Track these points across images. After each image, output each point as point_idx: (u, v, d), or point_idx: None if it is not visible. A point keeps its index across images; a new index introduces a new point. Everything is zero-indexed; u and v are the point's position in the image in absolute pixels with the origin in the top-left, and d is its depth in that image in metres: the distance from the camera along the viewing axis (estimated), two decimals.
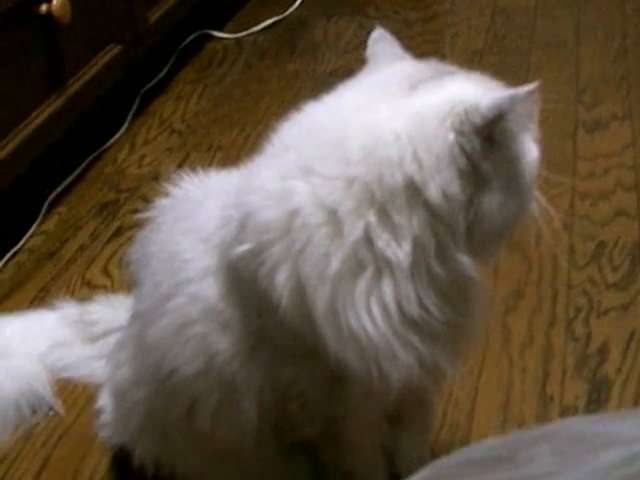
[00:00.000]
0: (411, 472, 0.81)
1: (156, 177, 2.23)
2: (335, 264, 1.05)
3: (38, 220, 2.13)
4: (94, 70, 2.25)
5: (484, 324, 1.23)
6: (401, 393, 1.16)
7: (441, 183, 1.04)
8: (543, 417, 1.54)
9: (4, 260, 2.00)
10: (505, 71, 2.54)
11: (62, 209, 2.19)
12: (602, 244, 1.93)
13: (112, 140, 2.42)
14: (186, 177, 1.32)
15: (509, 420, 1.55)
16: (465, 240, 1.07)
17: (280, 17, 3.06)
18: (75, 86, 2.18)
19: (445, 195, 1.04)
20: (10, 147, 1.95)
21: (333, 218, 1.05)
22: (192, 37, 2.91)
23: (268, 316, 1.12)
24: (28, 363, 1.65)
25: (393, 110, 1.06)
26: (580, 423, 0.85)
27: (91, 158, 2.34)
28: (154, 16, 2.52)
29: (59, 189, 2.23)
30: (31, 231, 2.10)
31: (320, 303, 1.06)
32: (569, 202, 2.05)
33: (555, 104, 2.29)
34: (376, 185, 1.04)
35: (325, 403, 1.19)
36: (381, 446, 1.31)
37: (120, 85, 2.41)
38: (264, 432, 1.24)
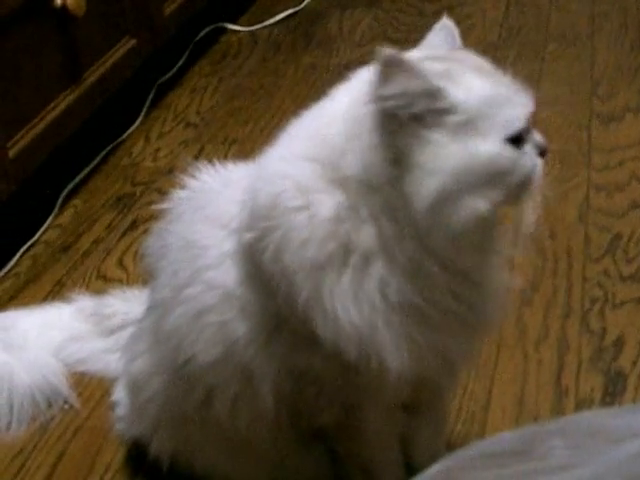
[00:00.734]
0: (427, 465, 0.81)
1: (171, 170, 2.23)
2: (312, 250, 1.07)
3: (53, 213, 2.14)
4: (109, 63, 2.26)
5: (500, 315, 1.22)
6: (414, 382, 1.16)
7: (361, 155, 1.06)
8: (558, 410, 1.54)
9: (19, 253, 2.01)
10: (520, 63, 2.54)
11: (77, 202, 2.19)
12: (617, 236, 1.93)
13: (127, 133, 2.43)
14: (202, 168, 1.32)
15: (524, 413, 1.55)
16: (416, 228, 1.06)
17: (295, 10, 3.06)
18: (90, 79, 2.18)
19: (365, 168, 1.06)
20: (26, 140, 1.96)
21: (307, 200, 1.07)
22: (207, 30, 2.91)
23: (281, 300, 1.13)
24: (44, 356, 1.66)
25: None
26: (595, 416, 0.85)
27: (106, 151, 2.35)
28: (169, 9, 2.52)
29: (74, 182, 2.24)
30: (46, 224, 2.10)
31: (304, 290, 1.08)
32: (584, 194, 2.04)
33: (570, 96, 2.29)
34: (335, 165, 1.07)
35: (341, 390, 1.20)
36: (398, 441, 1.31)
37: (135, 78, 2.41)
38: (281, 421, 1.24)
